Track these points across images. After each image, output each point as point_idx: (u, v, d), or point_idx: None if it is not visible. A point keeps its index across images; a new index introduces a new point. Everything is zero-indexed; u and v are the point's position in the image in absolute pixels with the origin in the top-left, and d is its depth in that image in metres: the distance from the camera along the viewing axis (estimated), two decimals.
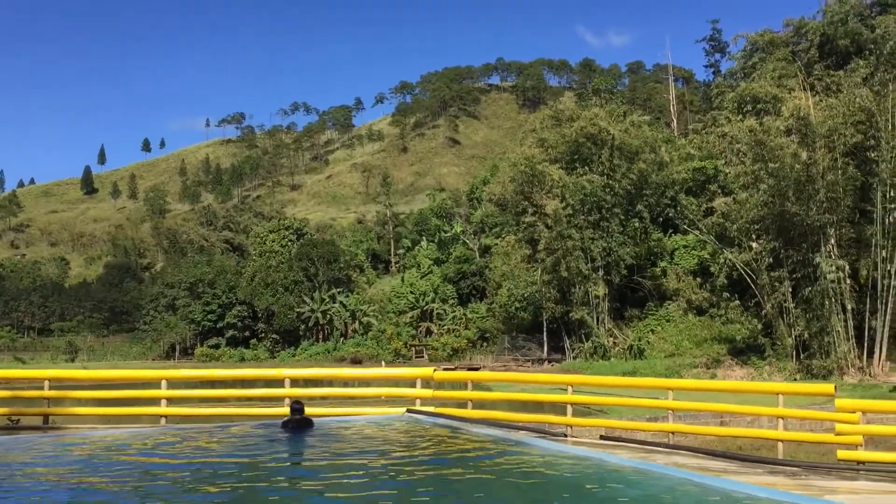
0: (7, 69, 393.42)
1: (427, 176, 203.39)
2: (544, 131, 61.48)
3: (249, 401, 18.73)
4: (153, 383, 15.85)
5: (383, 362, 71.94)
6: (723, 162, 50.41)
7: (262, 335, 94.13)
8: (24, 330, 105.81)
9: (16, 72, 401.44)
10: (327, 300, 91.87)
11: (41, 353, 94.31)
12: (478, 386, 15.94)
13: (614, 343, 56.14)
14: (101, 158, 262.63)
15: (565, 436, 12.84)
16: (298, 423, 11.54)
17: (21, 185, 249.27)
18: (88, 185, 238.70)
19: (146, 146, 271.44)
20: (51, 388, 15.07)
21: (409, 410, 13.64)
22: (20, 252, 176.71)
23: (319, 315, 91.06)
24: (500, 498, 7.50)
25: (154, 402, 14.69)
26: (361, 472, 8.73)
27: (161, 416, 14.18)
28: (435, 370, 15.94)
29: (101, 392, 15.96)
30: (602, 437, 13.66)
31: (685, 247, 61.27)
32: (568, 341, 59.83)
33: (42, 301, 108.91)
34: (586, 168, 57.37)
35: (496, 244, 78.81)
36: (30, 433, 13.77)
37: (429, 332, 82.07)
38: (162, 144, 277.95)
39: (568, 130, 58.24)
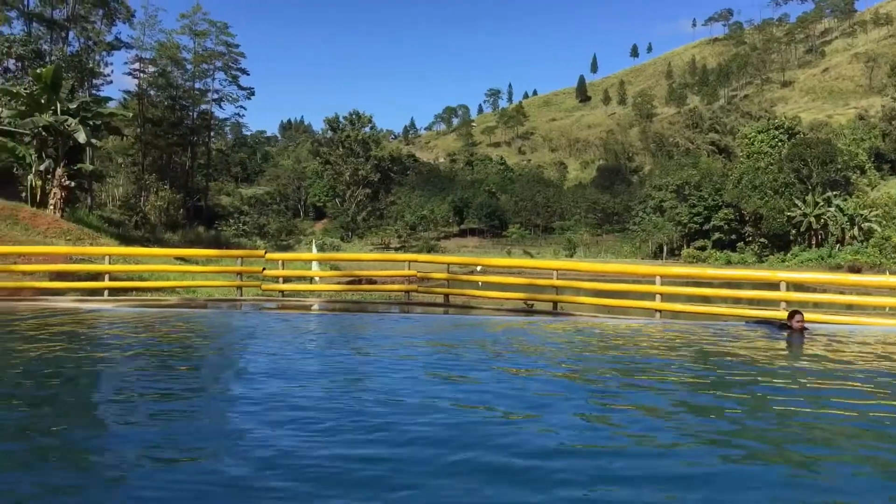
0: None
1: None
2: None
3: (738, 302, 18.69)
4: (645, 279, 16.79)
5: (887, 271, 64.75)
6: None
7: (750, 239, 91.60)
8: (531, 227, 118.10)
9: None
10: (821, 203, 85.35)
11: (545, 248, 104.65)
12: None
13: None
14: (594, 67, 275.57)
15: None
16: (794, 328, 11.39)
17: (526, 96, 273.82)
18: (582, 93, 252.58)
19: (634, 52, 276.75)
20: (557, 277, 16.88)
21: None
22: (526, 157, 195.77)
23: (812, 219, 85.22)
24: None
25: (648, 296, 15.51)
26: (867, 382, 8.33)
27: (656, 310, 14.94)
28: None
29: (600, 284, 17.36)
30: None
31: None
32: None
33: (545, 202, 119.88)
34: None
35: None
36: (543, 317, 15.69)
37: None
38: (649, 49, 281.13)
39: None
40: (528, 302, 17.28)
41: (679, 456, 5.25)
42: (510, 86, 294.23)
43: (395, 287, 19.84)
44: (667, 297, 15.27)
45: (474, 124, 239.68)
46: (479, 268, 29.75)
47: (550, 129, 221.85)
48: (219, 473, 4.67)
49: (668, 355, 9.98)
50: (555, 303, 16.39)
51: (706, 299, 17.38)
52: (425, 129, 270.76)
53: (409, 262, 18.79)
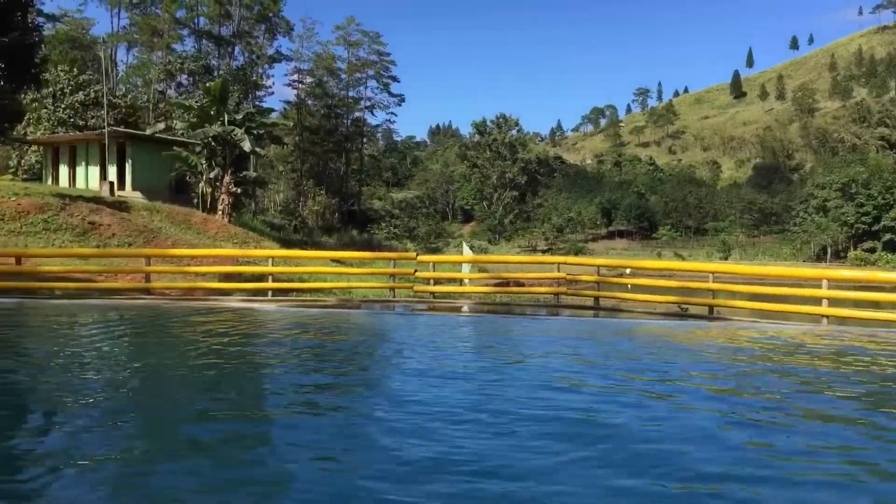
0: None
1: None
2: None
3: None
4: (808, 283, 15.94)
5: None
6: None
7: None
8: (681, 229, 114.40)
9: None
10: None
11: (697, 251, 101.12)
12: None
13: None
14: (749, 61, 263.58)
15: None
16: None
17: (676, 94, 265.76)
18: (737, 89, 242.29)
19: (794, 44, 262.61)
20: (713, 281, 16.31)
21: None
22: (676, 157, 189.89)
23: None
24: None
25: (814, 301, 14.71)
26: None
27: (822, 315, 14.13)
28: None
29: (759, 287, 16.61)
30: None
31: None
32: None
33: (697, 202, 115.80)
34: None
35: None
36: (698, 321, 15.24)
37: None
38: (810, 40, 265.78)
39: None
40: (682, 306, 16.82)
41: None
42: (660, 84, 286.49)
43: (544, 289, 19.82)
44: (833, 302, 14.45)
45: (622, 124, 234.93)
46: (627, 270, 29.18)
47: (702, 127, 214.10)
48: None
49: (839, 367, 9.45)
50: (711, 307, 15.86)
51: (876, 304, 16.33)
52: (572, 130, 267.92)
53: (559, 264, 18.74)
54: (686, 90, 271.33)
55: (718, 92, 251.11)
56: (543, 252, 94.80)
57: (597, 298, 17.65)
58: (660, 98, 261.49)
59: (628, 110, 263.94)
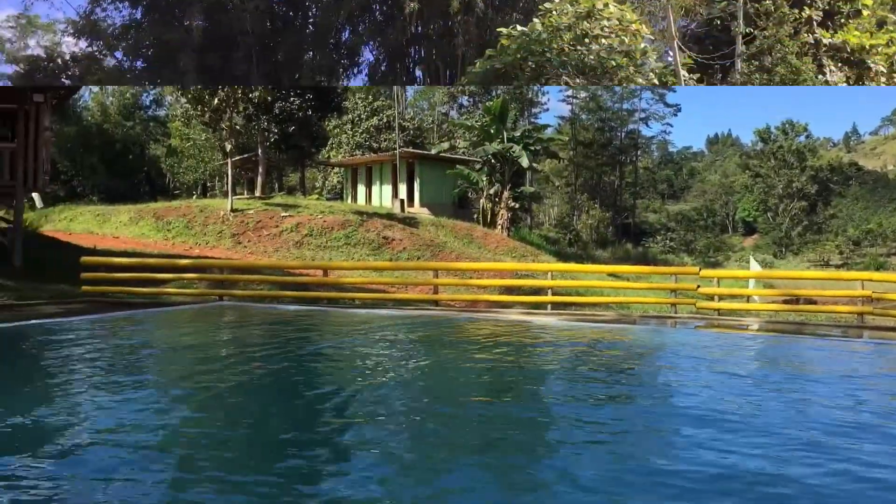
0: None
1: None
2: None
3: None
4: None
5: None
6: None
7: None
8: None
9: None
10: None
11: None
12: None
13: None
14: None
15: None
16: None
17: None
18: None
19: None
20: None
21: None
22: None
23: None
24: None
25: None
26: None
27: None
28: None
29: None
30: None
31: None
32: None
33: None
34: None
35: None
36: None
37: None
38: None
39: None
40: None
41: None
42: None
43: (844, 308, 18.19)
44: None
45: None
46: None
47: None
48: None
49: None
50: None
51: None
52: (870, 133, 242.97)
53: (863, 280, 17.16)
54: None
55: None
56: (837, 267, 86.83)
57: None
58: None
59: None
